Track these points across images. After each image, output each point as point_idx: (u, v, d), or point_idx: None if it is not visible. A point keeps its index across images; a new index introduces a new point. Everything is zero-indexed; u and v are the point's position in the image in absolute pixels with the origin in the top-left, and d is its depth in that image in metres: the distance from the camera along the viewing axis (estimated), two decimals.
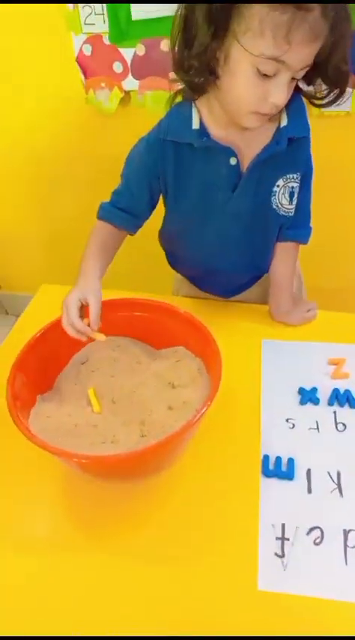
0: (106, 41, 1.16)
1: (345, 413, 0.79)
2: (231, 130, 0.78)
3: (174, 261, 1.02)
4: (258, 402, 0.81)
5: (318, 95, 0.78)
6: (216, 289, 1.02)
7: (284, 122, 0.79)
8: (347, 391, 0.81)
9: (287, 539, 0.64)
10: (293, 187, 0.84)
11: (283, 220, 0.87)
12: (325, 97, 0.77)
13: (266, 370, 0.86)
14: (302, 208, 0.88)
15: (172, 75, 0.77)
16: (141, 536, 0.65)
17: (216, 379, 0.68)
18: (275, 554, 0.63)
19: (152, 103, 1.21)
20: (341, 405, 0.80)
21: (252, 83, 0.68)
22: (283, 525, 0.65)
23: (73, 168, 1.43)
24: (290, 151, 0.80)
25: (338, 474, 0.71)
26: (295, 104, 0.78)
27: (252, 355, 0.89)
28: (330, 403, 0.80)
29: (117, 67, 1.20)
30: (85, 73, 1.23)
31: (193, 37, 0.69)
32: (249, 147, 0.80)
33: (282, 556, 0.62)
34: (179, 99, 0.81)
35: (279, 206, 0.85)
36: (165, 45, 1.13)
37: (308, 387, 0.82)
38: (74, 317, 0.72)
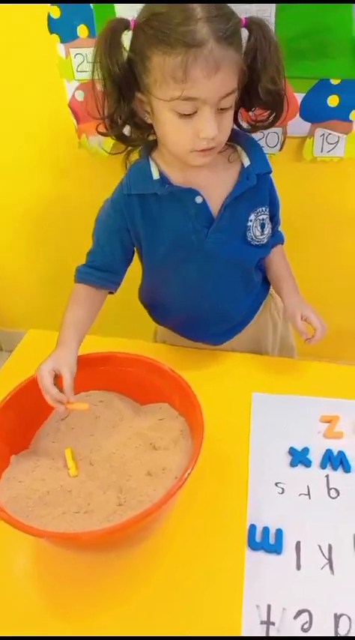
0: (99, 88, 1.16)
1: (338, 477, 0.74)
2: (189, 173, 0.80)
3: (158, 315, 1.01)
4: (246, 463, 0.77)
5: (259, 119, 0.82)
6: (205, 336, 0.99)
7: (247, 162, 0.83)
8: (340, 453, 0.77)
9: (273, 624, 0.59)
10: (263, 219, 0.88)
11: (258, 251, 0.91)
12: (265, 120, 0.82)
13: (256, 427, 0.82)
14: (276, 220, 0.94)
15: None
16: (117, 616, 0.60)
17: (197, 446, 0.64)
18: None
19: (104, 147, 1.21)
20: (335, 468, 0.75)
21: (179, 126, 0.71)
22: (269, 607, 0.60)
23: (69, 211, 1.42)
24: (257, 186, 0.84)
25: (330, 548, 0.66)
26: (250, 144, 0.84)
27: (241, 409, 0.85)
28: (323, 466, 0.76)
29: None
30: (77, 118, 1.23)
31: (115, 103, 0.75)
32: (213, 187, 0.82)
33: None
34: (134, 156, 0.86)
35: (253, 238, 0.88)
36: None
37: (299, 448, 0.78)
38: (49, 387, 0.71)
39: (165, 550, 0.66)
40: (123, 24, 0.71)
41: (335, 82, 1.06)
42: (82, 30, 1.10)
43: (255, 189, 0.84)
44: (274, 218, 0.92)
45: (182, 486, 0.59)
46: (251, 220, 0.86)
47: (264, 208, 0.87)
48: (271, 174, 0.88)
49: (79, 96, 1.20)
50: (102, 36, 0.71)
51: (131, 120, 0.78)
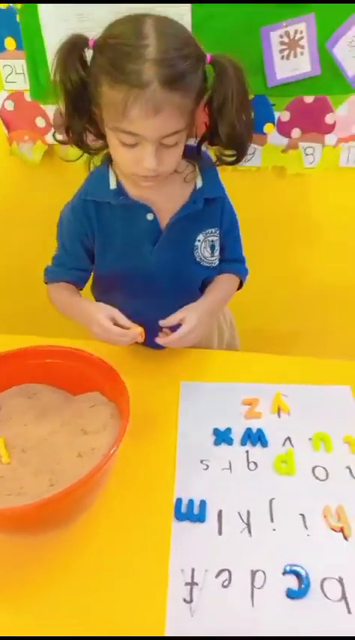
0: (28, 98, 1.20)
1: (257, 452, 0.81)
2: (143, 188, 0.82)
3: None
4: (175, 444, 0.82)
5: (223, 155, 0.83)
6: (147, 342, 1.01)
7: (199, 184, 0.85)
8: (259, 430, 0.84)
9: (196, 584, 0.64)
10: (213, 241, 0.91)
11: (207, 272, 0.93)
12: (228, 156, 0.83)
13: (184, 412, 0.88)
14: (235, 252, 0.96)
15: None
16: (50, 590, 0.63)
17: (123, 424, 0.68)
18: (184, 599, 0.62)
19: (75, 157, 1.25)
20: (254, 444, 0.82)
21: (122, 151, 0.73)
22: (192, 570, 0.65)
23: (2, 218, 1.43)
24: (207, 209, 0.86)
25: (248, 514, 0.72)
26: (207, 167, 0.85)
27: (171, 397, 0.91)
28: (243, 443, 0.82)
29: (40, 122, 1.23)
30: (7, 127, 1.26)
31: (69, 116, 0.78)
32: (166, 203, 0.85)
33: (190, 601, 0.62)
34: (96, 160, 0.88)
35: (202, 258, 0.91)
36: None
37: (222, 428, 0.84)
38: (113, 327, 0.78)
39: (98, 526, 0.70)
40: (83, 41, 0.72)
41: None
42: (10, 42, 1.14)
43: (205, 211, 0.86)
44: (230, 244, 0.94)
45: (108, 461, 0.63)
46: (199, 240, 0.89)
47: (214, 230, 0.90)
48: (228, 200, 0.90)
49: (9, 105, 1.23)
50: (61, 51, 0.72)
51: (91, 128, 0.80)
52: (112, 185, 0.84)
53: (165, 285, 0.91)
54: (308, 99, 1.13)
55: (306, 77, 1.09)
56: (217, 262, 0.93)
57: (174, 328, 0.85)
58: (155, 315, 0.92)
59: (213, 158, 0.86)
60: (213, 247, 0.91)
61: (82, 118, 0.77)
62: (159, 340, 0.85)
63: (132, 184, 0.83)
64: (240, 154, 0.82)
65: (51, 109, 1.21)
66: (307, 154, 1.20)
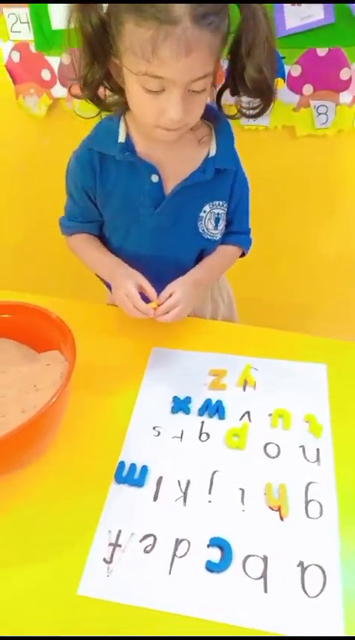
0: (33, 49, 1.18)
1: (212, 423, 0.79)
2: (156, 146, 0.79)
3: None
4: (131, 409, 0.82)
5: (244, 107, 0.78)
6: None
7: (213, 152, 0.80)
8: (218, 402, 0.82)
9: (119, 546, 0.64)
10: (218, 214, 0.86)
11: (207, 244, 0.89)
12: (249, 109, 0.77)
13: (148, 378, 0.87)
14: (242, 224, 0.91)
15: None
16: None
17: (64, 382, 0.69)
18: (104, 559, 0.63)
19: (80, 110, 1.23)
20: (211, 415, 0.80)
21: (144, 99, 0.68)
22: (119, 532, 0.66)
23: (10, 169, 1.44)
24: (217, 180, 0.81)
25: (188, 483, 0.71)
26: (224, 134, 0.80)
27: (140, 362, 0.90)
28: (200, 413, 0.81)
29: (46, 75, 1.21)
30: (14, 79, 1.25)
31: (88, 64, 0.72)
32: (175, 167, 0.80)
33: (110, 562, 0.63)
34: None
35: (205, 230, 0.87)
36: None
37: (182, 397, 0.83)
38: (142, 304, 0.78)
39: (39, 478, 0.72)
40: None
41: None
42: None
43: (215, 182, 0.81)
44: (238, 217, 0.89)
45: (42, 416, 0.64)
46: (204, 211, 0.84)
47: (221, 203, 0.85)
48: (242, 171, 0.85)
49: (15, 57, 1.21)
50: None
51: (107, 82, 0.75)
52: (121, 138, 0.79)
53: (161, 252, 0.88)
54: (322, 51, 1.04)
55: (319, 26, 1.00)
56: (220, 236, 0.89)
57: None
58: (150, 274, 0.89)
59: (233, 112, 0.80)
60: (217, 220, 0.87)
61: (100, 68, 0.72)
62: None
63: (145, 138, 0.79)
64: (265, 104, 0.76)
65: (56, 61, 1.19)
66: (319, 114, 1.11)
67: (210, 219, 0.86)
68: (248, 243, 0.95)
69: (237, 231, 0.92)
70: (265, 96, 0.74)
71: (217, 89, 0.79)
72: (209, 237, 0.87)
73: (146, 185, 0.81)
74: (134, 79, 0.67)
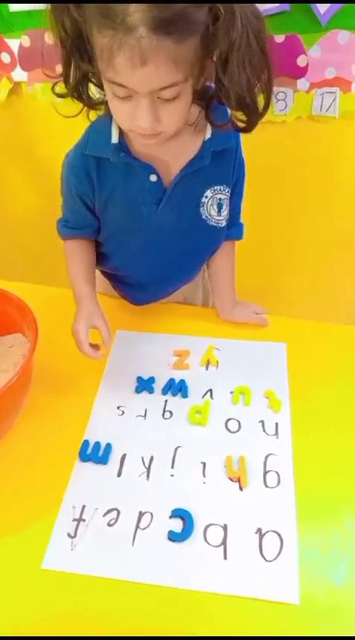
0: None
1: (175, 402, 0.81)
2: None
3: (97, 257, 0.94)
4: (96, 389, 0.83)
5: (234, 118, 0.69)
6: (130, 296, 0.99)
7: (208, 134, 0.75)
8: (181, 381, 0.83)
9: (83, 520, 0.66)
10: (221, 199, 0.82)
11: (214, 232, 0.86)
12: (239, 120, 0.69)
13: (113, 359, 0.88)
14: (234, 209, 0.88)
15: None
16: None
17: (28, 360, 0.69)
18: (68, 534, 0.64)
19: (42, 94, 1.22)
20: (174, 394, 0.82)
21: (117, 104, 0.65)
22: (83, 507, 0.67)
23: None
24: (215, 163, 0.77)
25: (151, 459, 0.72)
26: (217, 114, 0.71)
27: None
28: (164, 392, 0.82)
29: (5, 58, 1.19)
30: None
31: (66, 65, 0.68)
32: (176, 159, 0.77)
33: (74, 536, 0.64)
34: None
35: (208, 217, 0.83)
36: (49, 37, 1.13)
37: (146, 377, 0.84)
38: (86, 346, 0.78)
39: (5, 455, 0.73)
40: None
41: None
42: None
43: (214, 166, 0.77)
44: (234, 200, 0.85)
45: (3, 394, 0.64)
46: (206, 197, 0.81)
47: (223, 187, 0.81)
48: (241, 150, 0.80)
49: None
50: None
51: (94, 79, 0.70)
52: (114, 139, 0.75)
53: (168, 244, 0.86)
54: (279, 38, 1.06)
55: (275, 13, 1.02)
56: (224, 223, 0.85)
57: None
58: (156, 274, 0.91)
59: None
60: (220, 206, 0.83)
61: (78, 69, 0.68)
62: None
63: (134, 138, 0.75)
64: (251, 121, 0.68)
65: (15, 44, 1.17)
66: (278, 100, 1.13)
67: (213, 204, 0.82)
68: (242, 231, 0.93)
69: (231, 225, 0.89)
70: (249, 112, 0.66)
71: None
72: (213, 223, 0.84)
73: (145, 184, 0.78)
74: (105, 82, 0.64)
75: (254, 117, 0.67)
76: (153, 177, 0.77)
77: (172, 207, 0.80)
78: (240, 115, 0.68)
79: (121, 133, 0.75)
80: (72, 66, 0.68)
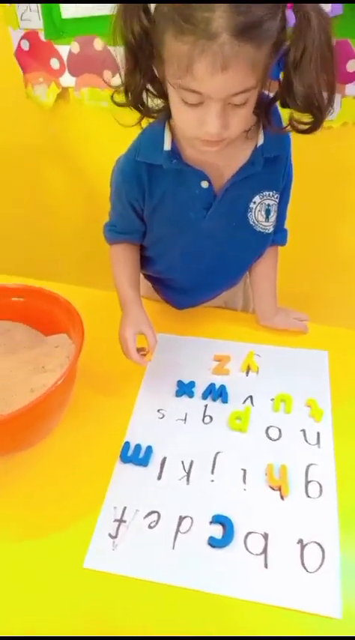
0: (42, 37, 1.19)
1: (215, 407, 0.81)
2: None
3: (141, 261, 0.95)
4: (136, 392, 0.84)
5: (295, 121, 0.70)
6: (176, 301, 0.99)
7: (260, 140, 0.75)
8: (222, 386, 0.83)
9: (124, 522, 0.66)
10: (269, 205, 0.82)
11: (261, 238, 0.86)
12: (300, 123, 0.69)
13: (154, 362, 0.88)
14: (280, 215, 0.87)
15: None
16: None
17: (72, 363, 0.70)
18: (109, 534, 0.65)
19: (89, 99, 1.24)
20: (214, 399, 0.82)
21: (184, 111, 0.64)
22: (124, 508, 0.68)
23: (15, 159, 1.46)
24: (267, 169, 0.77)
25: (191, 463, 0.73)
26: (276, 119, 0.73)
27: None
28: (204, 397, 0.82)
29: (54, 64, 1.23)
30: (23, 68, 1.26)
31: (130, 73, 0.68)
32: (228, 166, 0.77)
33: (115, 537, 0.65)
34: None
35: (256, 222, 0.83)
36: (98, 43, 1.16)
37: (186, 381, 0.85)
38: (133, 352, 0.80)
39: (48, 456, 0.75)
40: None
41: None
42: None
43: (264, 173, 0.77)
44: (281, 208, 0.85)
45: (50, 395, 0.66)
46: (254, 202, 0.81)
47: (272, 193, 0.81)
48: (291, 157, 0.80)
49: (25, 45, 1.22)
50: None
51: (153, 87, 0.70)
52: (166, 146, 0.74)
53: (214, 249, 0.86)
54: None
55: None
56: (271, 229, 0.85)
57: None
58: (200, 279, 0.92)
59: (285, 121, 0.73)
60: (268, 212, 0.83)
61: (143, 76, 0.68)
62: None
63: (191, 145, 0.74)
64: (317, 122, 0.68)
65: (65, 50, 1.20)
66: None
67: (261, 210, 0.82)
68: (286, 237, 0.93)
69: (276, 230, 0.88)
70: (314, 114, 0.67)
71: (271, 95, 0.71)
72: (260, 229, 0.84)
73: (195, 190, 0.78)
74: (173, 89, 0.64)
75: (319, 117, 0.67)
76: (204, 184, 0.77)
77: (221, 213, 0.80)
78: (303, 117, 0.68)
79: (174, 140, 0.75)
80: (137, 72, 0.67)
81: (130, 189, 0.80)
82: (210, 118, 0.62)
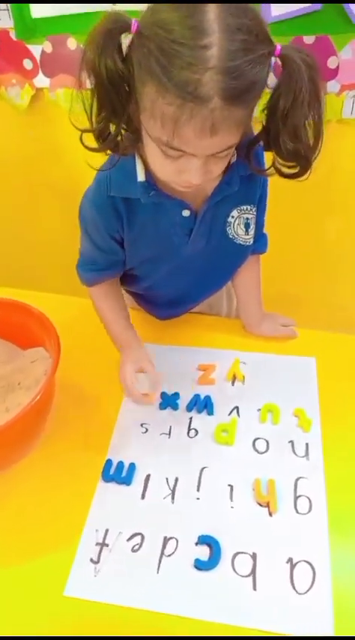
0: (14, 37, 1.15)
1: (200, 419, 0.78)
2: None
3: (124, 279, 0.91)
4: (118, 405, 0.81)
5: (279, 163, 0.65)
6: (155, 312, 0.96)
7: (234, 157, 0.70)
8: (207, 397, 0.81)
9: (107, 545, 0.63)
10: (248, 218, 0.80)
11: (242, 249, 0.83)
12: (284, 166, 0.65)
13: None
14: (258, 222, 0.84)
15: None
16: None
17: (50, 377, 0.67)
18: (91, 559, 0.62)
19: (64, 100, 1.21)
20: (199, 411, 0.79)
21: (162, 161, 0.60)
22: (107, 531, 0.65)
23: None
24: (244, 187, 0.74)
25: (176, 480, 0.70)
26: (256, 160, 0.70)
27: None
28: (189, 409, 0.80)
29: (27, 64, 1.18)
30: None
31: (104, 117, 0.60)
32: (202, 188, 0.71)
33: (97, 562, 0.62)
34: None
35: (236, 236, 0.80)
36: (71, 42, 1.12)
37: (170, 393, 0.82)
38: (133, 390, 0.79)
39: (26, 477, 0.71)
40: (123, 24, 0.54)
41: None
42: None
43: (242, 189, 0.74)
44: (258, 215, 0.81)
45: (25, 415, 0.62)
46: (232, 217, 0.78)
47: (249, 207, 0.78)
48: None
49: None
50: (95, 35, 0.54)
51: (126, 126, 0.63)
52: (140, 177, 0.69)
53: (196, 265, 0.83)
54: (309, 39, 1.02)
55: (305, 13, 0.98)
56: (252, 241, 0.82)
57: None
58: (183, 292, 0.90)
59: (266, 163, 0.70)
60: (247, 225, 0.80)
61: (118, 121, 0.61)
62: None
63: (166, 184, 0.69)
64: (303, 169, 0.64)
65: (37, 50, 1.16)
66: None
67: (240, 224, 0.79)
68: (266, 243, 0.90)
69: (256, 239, 0.85)
70: (303, 162, 0.63)
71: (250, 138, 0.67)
72: (241, 242, 0.81)
73: (177, 217, 0.74)
74: (153, 141, 0.58)
75: (306, 166, 0.63)
76: (185, 213, 0.73)
77: (202, 233, 0.77)
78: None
79: (147, 170, 0.69)
80: (110, 117, 0.60)
81: (108, 222, 0.75)
82: (191, 171, 0.59)
